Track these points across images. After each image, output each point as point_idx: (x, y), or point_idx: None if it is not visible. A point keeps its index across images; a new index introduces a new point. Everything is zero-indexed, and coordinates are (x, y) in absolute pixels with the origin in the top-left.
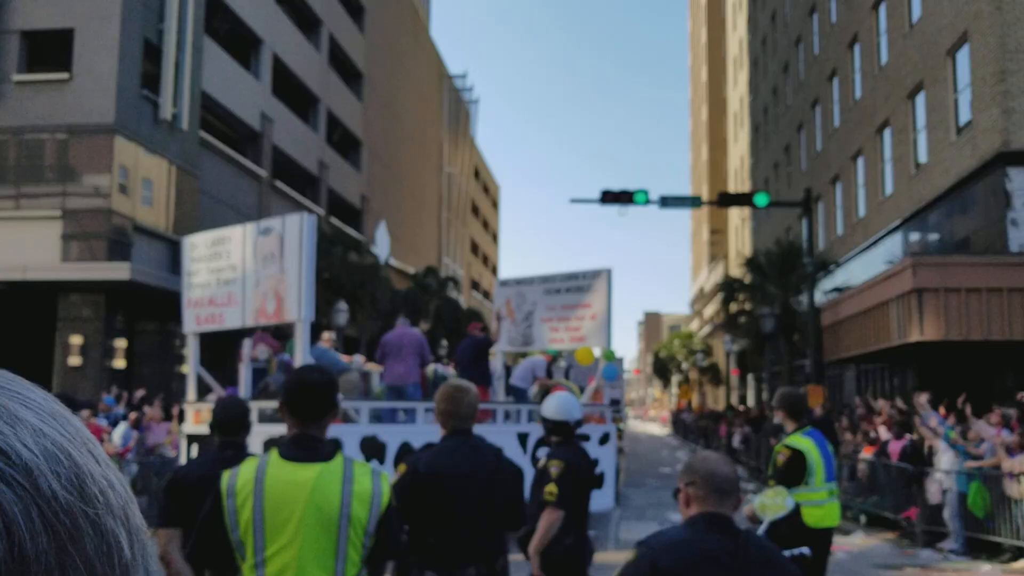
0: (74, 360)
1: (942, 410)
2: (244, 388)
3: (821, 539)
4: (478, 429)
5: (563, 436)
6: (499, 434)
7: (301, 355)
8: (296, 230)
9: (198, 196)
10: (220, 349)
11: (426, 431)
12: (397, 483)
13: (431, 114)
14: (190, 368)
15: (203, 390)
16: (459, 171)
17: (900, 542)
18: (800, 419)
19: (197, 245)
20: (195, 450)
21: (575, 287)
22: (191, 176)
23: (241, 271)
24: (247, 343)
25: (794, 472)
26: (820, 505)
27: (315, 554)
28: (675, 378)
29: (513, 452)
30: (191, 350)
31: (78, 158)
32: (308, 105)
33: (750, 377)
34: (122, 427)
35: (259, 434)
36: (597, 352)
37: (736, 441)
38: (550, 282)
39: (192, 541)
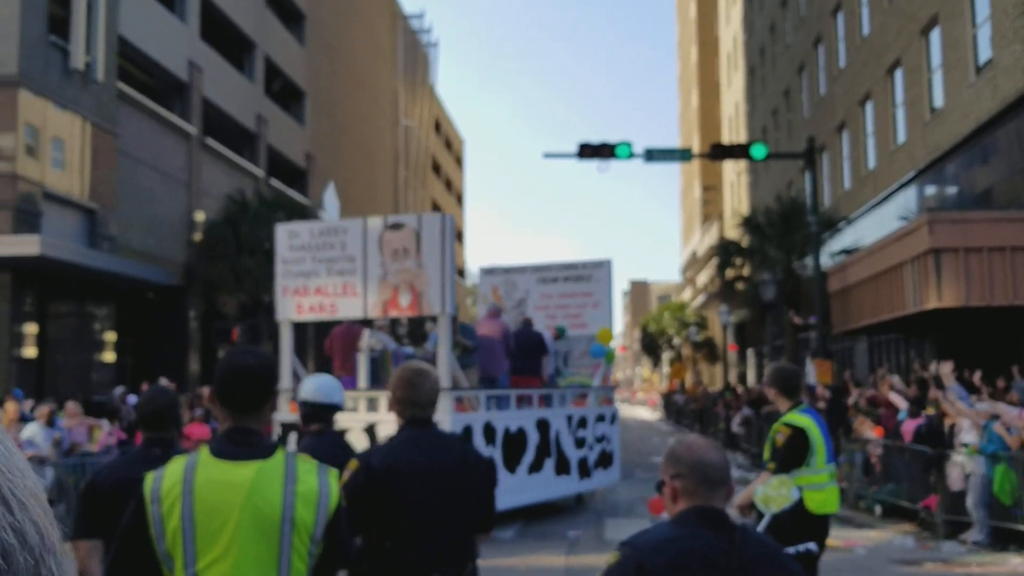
0: None
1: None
2: (363, 378)
3: (822, 527)
4: (542, 414)
5: (324, 423)
6: (555, 417)
7: (446, 348)
8: (437, 228)
9: (117, 157)
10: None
11: (519, 415)
12: (348, 482)
13: (384, 60)
14: (285, 356)
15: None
16: (417, 124)
17: (919, 534)
18: (795, 396)
19: (299, 233)
20: (291, 439)
21: (574, 276)
22: (109, 134)
23: (361, 263)
24: (367, 333)
25: (795, 452)
26: (822, 489)
27: (254, 565)
28: (666, 355)
29: (565, 433)
30: (285, 338)
31: None
32: (243, 51)
33: (750, 352)
34: (34, 426)
35: (392, 422)
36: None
37: (735, 425)
38: (545, 271)
39: (112, 554)
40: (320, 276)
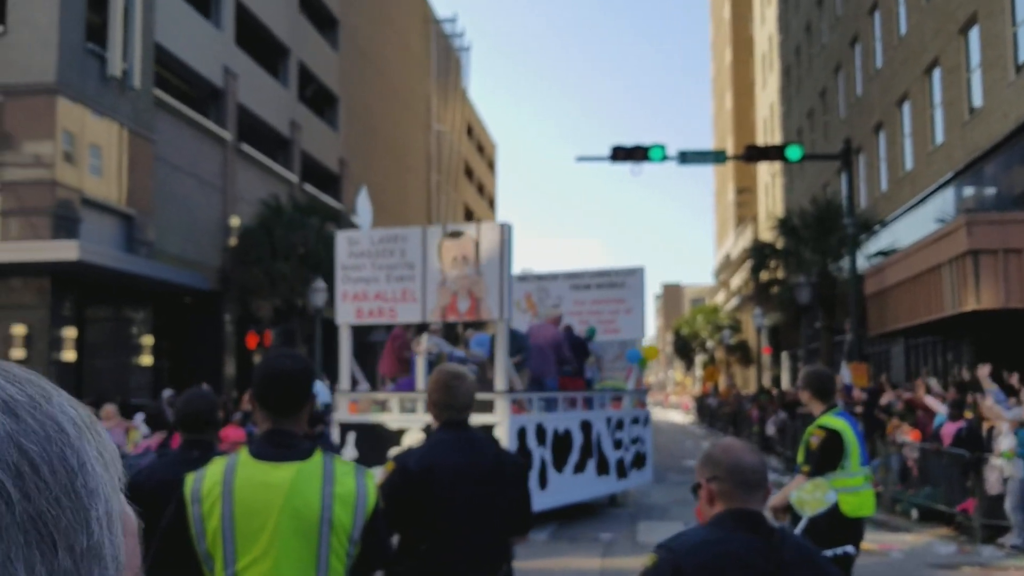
0: (17, 353)
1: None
2: (421, 379)
3: (857, 530)
4: (585, 416)
5: (324, 424)
6: (596, 419)
7: (502, 351)
8: (495, 237)
9: (154, 163)
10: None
11: (566, 417)
12: (385, 483)
13: (417, 65)
14: (344, 359)
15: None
16: (450, 129)
17: (957, 538)
18: (828, 399)
19: (359, 240)
20: (350, 439)
21: (607, 283)
22: (146, 141)
23: (420, 270)
24: (425, 336)
25: (831, 455)
26: (857, 492)
27: (293, 565)
28: (699, 358)
29: (604, 434)
30: (344, 342)
31: (16, 123)
32: (277, 57)
33: (784, 355)
34: None
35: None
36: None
37: (770, 429)
38: (578, 278)
39: (152, 554)
40: (379, 282)
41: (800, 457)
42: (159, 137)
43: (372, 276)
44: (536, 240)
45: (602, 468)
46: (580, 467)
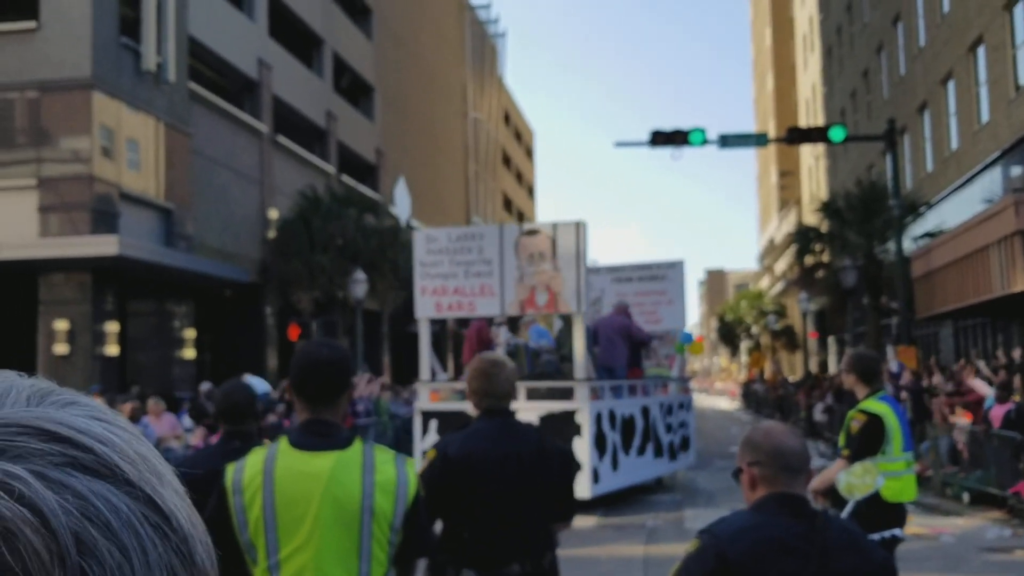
0: (60, 348)
1: None
2: None
3: (899, 514)
4: (644, 401)
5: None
6: (652, 405)
7: (580, 340)
8: (571, 234)
9: (191, 157)
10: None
11: (630, 403)
12: (426, 471)
13: (452, 52)
14: (422, 350)
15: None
16: (487, 117)
17: (1010, 521)
18: (873, 383)
19: (437, 238)
20: (432, 426)
21: (648, 276)
22: (182, 134)
23: (498, 265)
24: (503, 330)
25: (871, 439)
26: (898, 477)
27: (335, 554)
28: (744, 344)
29: (659, 419)
30: (423, 334)
31: (52, 118)
32: (311, 48)
33: (831, 340)
34: None
35: (532, 410)
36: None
37: (818, 414)
38: (620, 271)
39: None
40: (458, 277)
41: (841, 441)
42: (195, 130)
43: (451, 272)
44: None
45: (658, 451)
46: (642, 450)
